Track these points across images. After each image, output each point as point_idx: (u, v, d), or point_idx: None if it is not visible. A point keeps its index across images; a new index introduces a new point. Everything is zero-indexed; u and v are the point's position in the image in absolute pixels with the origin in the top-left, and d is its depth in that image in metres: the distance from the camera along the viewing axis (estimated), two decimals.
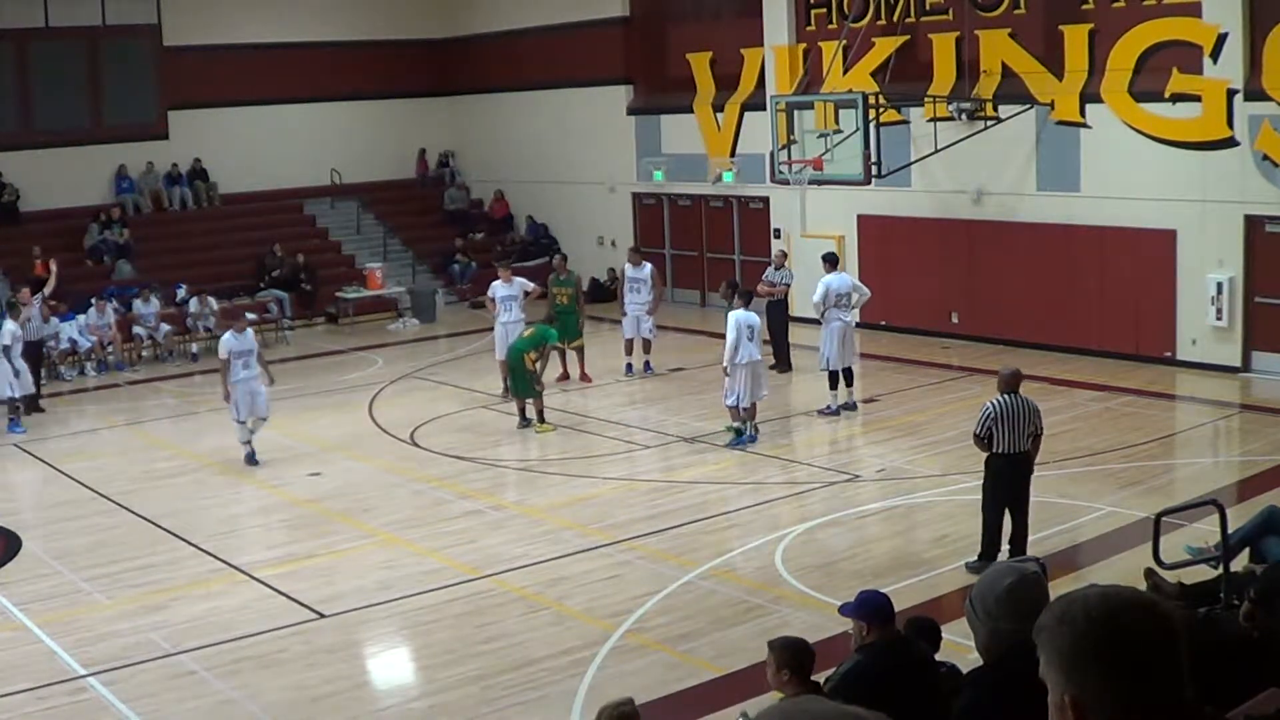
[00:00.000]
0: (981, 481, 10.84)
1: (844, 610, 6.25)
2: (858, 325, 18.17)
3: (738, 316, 14.88)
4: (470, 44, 29.41)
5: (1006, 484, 10.63)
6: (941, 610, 8.99)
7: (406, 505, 13.58)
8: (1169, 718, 2.09)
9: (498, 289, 18.38)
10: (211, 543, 12.36)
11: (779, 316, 18.73)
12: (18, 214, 25.05)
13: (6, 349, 17.04)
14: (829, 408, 16.46)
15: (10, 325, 17.34)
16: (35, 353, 18.81)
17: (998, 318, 20.18)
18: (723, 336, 15.18)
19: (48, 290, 19.46)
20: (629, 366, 19.32)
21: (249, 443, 15.18)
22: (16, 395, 17.19)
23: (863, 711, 2.88)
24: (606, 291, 25.86)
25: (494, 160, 29.53)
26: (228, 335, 15.20)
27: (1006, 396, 10.63)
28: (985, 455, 10.72)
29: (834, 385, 16.45)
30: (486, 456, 15.32)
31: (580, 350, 18.87)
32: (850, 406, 16.64)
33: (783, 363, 18.77)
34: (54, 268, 20.06)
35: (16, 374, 17.08)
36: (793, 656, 5.91)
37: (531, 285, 18.66)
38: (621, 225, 26.71)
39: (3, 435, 17.02)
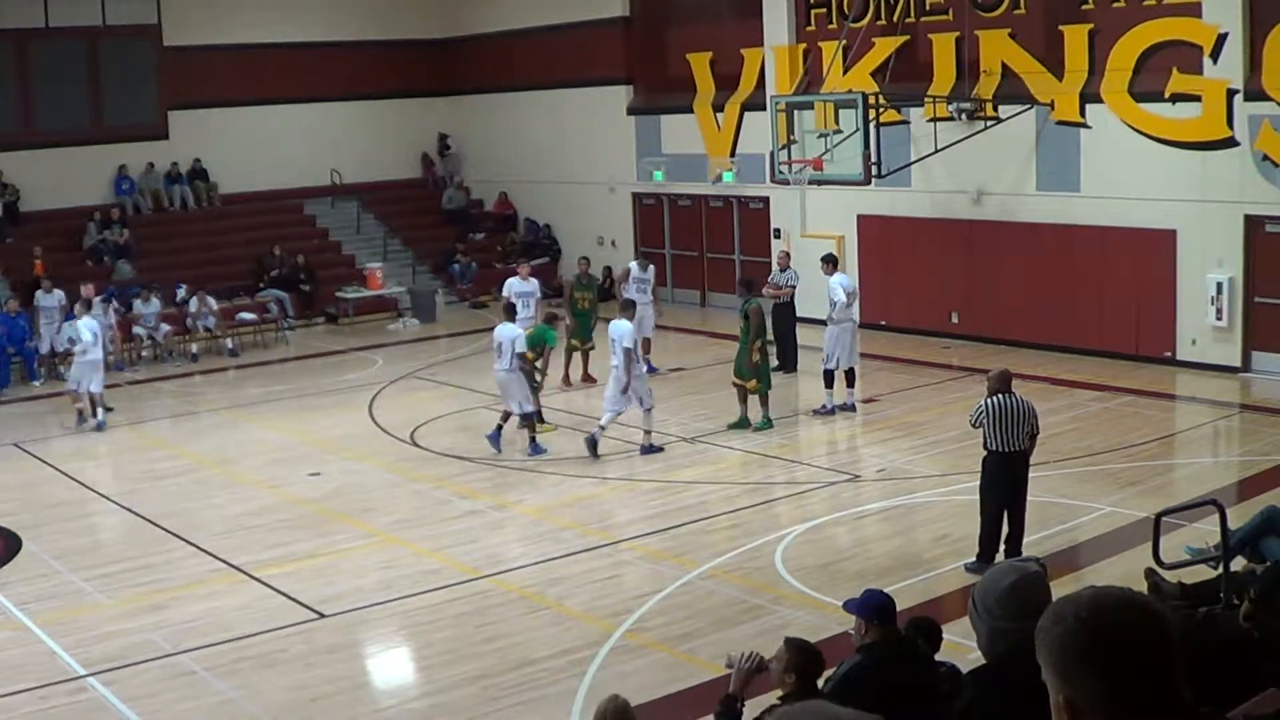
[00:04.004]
0: (979, 481, 10.86)
1: (848, 605, 6.27)
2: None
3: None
4: (470, 44, 29.41)
5: (1002, 483, 10.65)
6: (942, 610, 8.99)
7: (406, 505, 13.59)
8: (1163, 718, 2.09)
9: (514, 285, 18.41)
10: (211, 543, 12.36)
11: (786, 317, 18.72)
12: (18, 214, 25.05)
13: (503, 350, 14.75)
14: (824, 407, 16.49)
15: (509, 328, 15.05)
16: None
17: (998, 318, 20.18)
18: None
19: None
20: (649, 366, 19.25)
21: None
22: (525, 410, 15.18)
23: (863, 715, 2.89)
24: (605, 292, 25.81)
25: (494, 160, 29.53)
26: None
27: (999, 397, 10.66)
28: (983, 455, 10.75)
29: (830, 385, 16.47)
30: (486, 457, 15.31)
31: (588, 352, 18.90)
32: (849, 407, 16.64)
33: (788, 363, 18.75)
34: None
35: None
36: (806, 662, 5.91)
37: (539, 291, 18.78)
38: (621, 225, 26.71)
39: (526, 456, 15.14)
